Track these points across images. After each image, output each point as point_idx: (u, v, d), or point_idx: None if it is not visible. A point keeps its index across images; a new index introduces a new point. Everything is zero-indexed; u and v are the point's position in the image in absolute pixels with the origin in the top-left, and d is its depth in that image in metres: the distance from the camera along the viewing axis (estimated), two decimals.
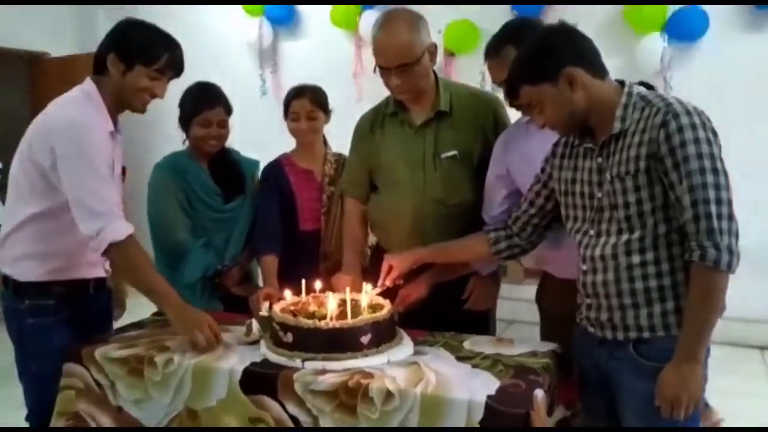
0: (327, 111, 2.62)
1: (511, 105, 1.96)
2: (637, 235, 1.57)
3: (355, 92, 5.19)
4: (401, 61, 2.05)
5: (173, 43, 1.99)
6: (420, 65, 2.08)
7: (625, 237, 1.59)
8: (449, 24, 4.92)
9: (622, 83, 1.63)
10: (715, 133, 1.51)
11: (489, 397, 1.53)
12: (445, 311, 2.12)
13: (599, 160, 1.63)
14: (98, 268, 2.07)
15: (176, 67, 1.99)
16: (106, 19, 6.22)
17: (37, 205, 1.91)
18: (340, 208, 2.52)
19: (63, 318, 1.97)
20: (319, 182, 2.59)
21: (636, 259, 1.58)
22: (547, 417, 1.64)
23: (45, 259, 1.94)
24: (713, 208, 1.46)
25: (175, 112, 2.55)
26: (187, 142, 2.55)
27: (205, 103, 2.44)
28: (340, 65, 5.31)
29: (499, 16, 4.78)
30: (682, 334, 1.52)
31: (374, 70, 2.13)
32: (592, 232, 1.67)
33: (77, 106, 1.91)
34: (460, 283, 2.19)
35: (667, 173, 1.50)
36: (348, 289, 1.87)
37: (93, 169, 1.85)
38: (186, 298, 2.29)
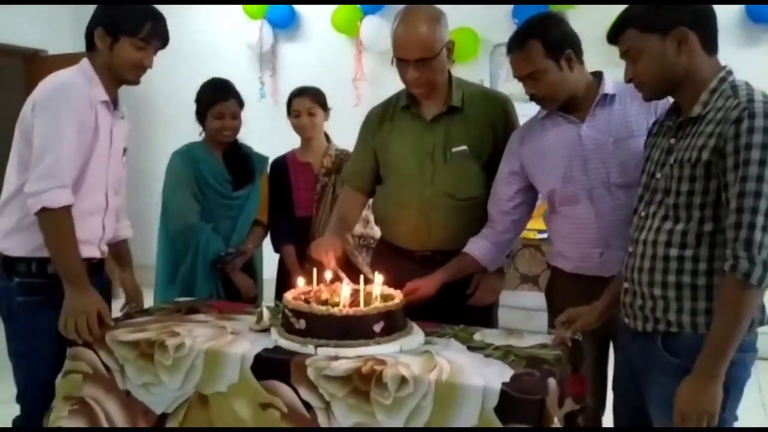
0: (326, 108, 2.95)
1: (532, 98, 1.98)
2: (680, 227, 1.53)
3: (353, 97, 5.21)
4: (420, 55, 2.07)
5: (156, 13, 2.05)
6: (437, 60, 2.11)
7: (668, 226, 1.55)
8: (453, 31, 4.95)
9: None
10: None
11: (504, 384, 1.53)
12: (448, 305, 2.12)
13: (672, 140, 1.59)
14: (91, 247, 2.04)
15: (161, 36, 2.05)
16: None
17: (24, 176, 1.91)
18: (330, 199, 2.76)
19: (53, 298, 1.93)
20: (315, 174, 2.89)
21: (674, 252, 1.53)
22: (557, 407, 1.65)
23: (33, 232, 1.92)
24: (759, 220, 1.39)
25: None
26: (203, 134, 2.72)
27: (219, 97, 2.64)
28: (339, 70, 5.33)
29: (500, 25, 4.89)
30: (704, 347, 1.46)
31: (392, 62, 2.16)
32: (643, 213, 1.64)
33: (65, 73, 1.98)
34: (464, 277, 2.20)
35: (726, 172, 1.44)
36: (362, 278, 1.88)
37: (59, 124, 1.87)
38: (188, 283, 2.41)
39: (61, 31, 6.23)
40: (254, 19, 5.51)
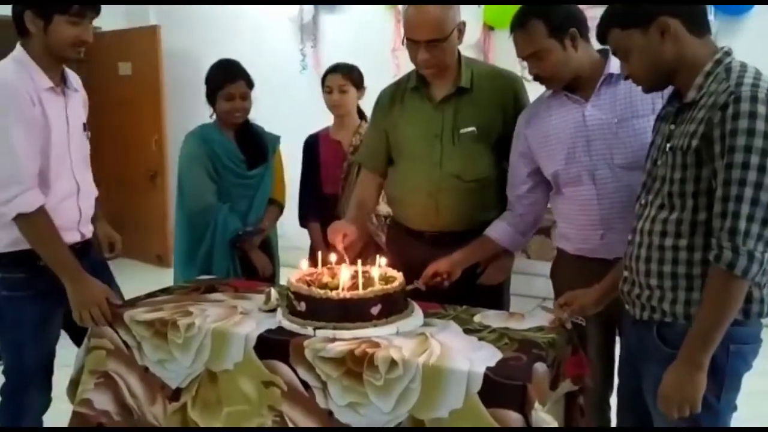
0: (359, 86, 2.91)
1: (535, 79, 1.97)
2: (675, 216, 1.50)
3: (393, 67, 5.19)
4: (432, 37, 2.08)
5: None
6: (448, 42, 2.11)
7: (663, 215, 1.53)
8: None
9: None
10: None
11: (488, 368, 1.56)
12: (459, 285, 2.15)
13: (672, 126, 1.55)
14: (71, 232, 2.07)
15: (92, 4, 1.98)
16: None
17: None
18: (355, 177, 2.73)
19: (37, 291, 2.02)
20: (344, 151, 2.88)
21: (669, 241, 1.52)
22: (549, 390, 1.68)
23: (8, 227, 1.96)
24: (745, 208, 1.36)
25: None
26: (214, 116, 2.75)
27: (228, 78, 2.64)
28: (379, 41, 5.32)
29: None
30: (688, 335, 1.46)
31: (402, 43, 2.17)
32: (643, 201, 1.62)
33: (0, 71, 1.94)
34: None
35: (713, 160, 1.41)
36: (359, 262, 1.93)
37: (7, 130, 1.86)
38: (208, 262, 2.55)
39: (113, 8, 6.42)
40: None
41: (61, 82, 2.07)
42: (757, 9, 4.15)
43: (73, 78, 2.15)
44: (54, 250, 1.97)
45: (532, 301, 4.07)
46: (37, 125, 1.94)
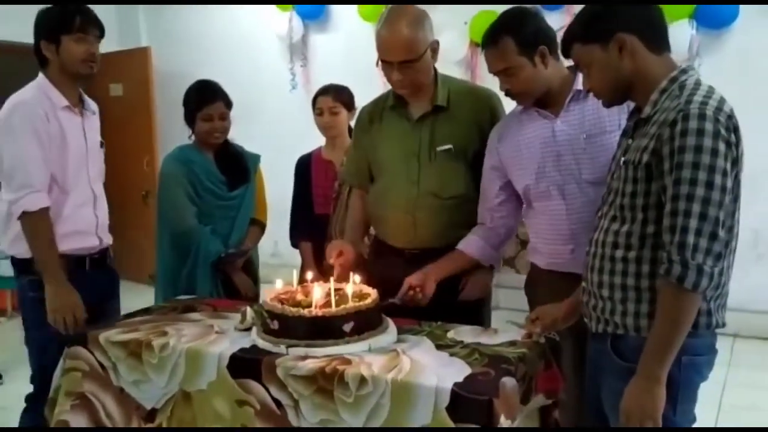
0: (350, 107, 2.90)
1: (506, 94, 2.00)
2: (626, 228, 1.54)
3: (382, 85, 5.23)
4: (404, 57, 2.10)
5: (81, 7, 2.24)
6: (422, 62, 2.13)
7: (615, 226, 1.56)
8: (475, 15, 4.92)
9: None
10: (729, 144, 1.41)
11: (456, 384, 1.57)
12: (438, 301, 2.15)
13: (630, 141, 1.59)
14: (89, 237, 2.28)
15: (94, 23, 2.24)
16: (146, 16, 6.43)
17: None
18: (347, 196, 2.72)
19: None
20: (335, 172, 2.86)
21: (620, 253, 1.55)
22: (519, 404, 1.68)
23: None
24: (693, 223, 1.39)
25: None
26: (192, 137, 2.74)
27: (206, 100, 2.64)
28: (369, 59, 5.31)
29: None
30: (645, 349, 1.48)
31: (377, 64, 2.19)
32: (600, 212, 1.65)
33: (20, 93, 2.21)
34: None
35: (663, 175, 1.45)
36: (332, 279, 1.94)
37: (20, 142, 2.09)
38: (190, 284, 2.51)
39: (106, 31, 6.48)
40: (284, 11, 5.60)
41: (79, 103, 2.31)
42: (739, 23, 4.19)
43: (92, 103, 2.40)
44: (46, 251, 2.14)
45: (521, 315, 4.09)
46: (52, 139, 2.17)
